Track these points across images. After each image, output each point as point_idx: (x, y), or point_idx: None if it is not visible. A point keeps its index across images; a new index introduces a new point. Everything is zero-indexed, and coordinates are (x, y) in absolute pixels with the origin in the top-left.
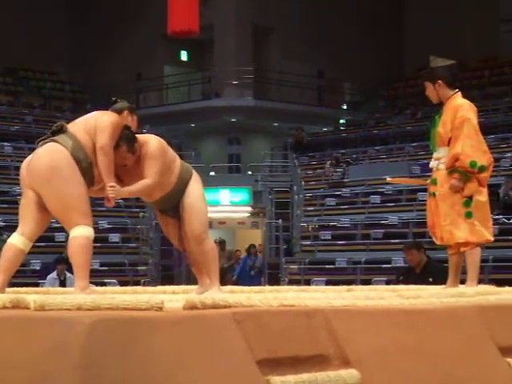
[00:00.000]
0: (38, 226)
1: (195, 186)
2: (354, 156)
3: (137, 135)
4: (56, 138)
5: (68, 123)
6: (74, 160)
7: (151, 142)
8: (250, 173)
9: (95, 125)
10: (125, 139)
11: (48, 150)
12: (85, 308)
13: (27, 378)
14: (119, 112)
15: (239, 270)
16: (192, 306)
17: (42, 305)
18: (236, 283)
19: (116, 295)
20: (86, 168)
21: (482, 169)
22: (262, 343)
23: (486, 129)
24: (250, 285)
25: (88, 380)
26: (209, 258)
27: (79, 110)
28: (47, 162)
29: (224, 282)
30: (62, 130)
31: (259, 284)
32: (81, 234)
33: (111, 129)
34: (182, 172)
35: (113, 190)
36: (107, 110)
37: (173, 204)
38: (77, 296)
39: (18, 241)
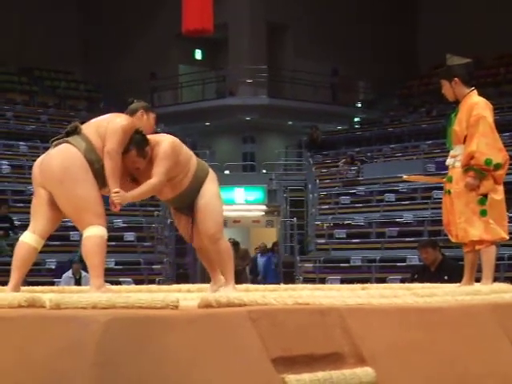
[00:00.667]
0: (49, 223)
1: (210, 184)
2: (369, 154)
3: (151, 136)
4: (70, 139)
5: (82, 123)
6: (87, 162)
7: (163, 142)
8: (264, 171)
9: (107, 128)
10: (134, 144)
11: (61, 151)
12: (100, 306)
13: (43, 376)
14: (133, 112)
15: (263, 268)
16: (207, 305)
17: (57, 303)
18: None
19: (131, 294)
20: (99, 170)
21: (498, 166)
22: (277, 341)
23: (501, 126)
24: (276, 282)
25: (103, 378)
26: (224, 257)
27: (94, 109)
28: (60, 163)
29: (239, 282)
30: (76, 131)
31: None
32: (94, 233)
33: (121, 133)
34: (197, 171)
35: (117, 196)
36: (122, 109)
37: (188, 202)
38: (92, 295)
39: (30, 239)
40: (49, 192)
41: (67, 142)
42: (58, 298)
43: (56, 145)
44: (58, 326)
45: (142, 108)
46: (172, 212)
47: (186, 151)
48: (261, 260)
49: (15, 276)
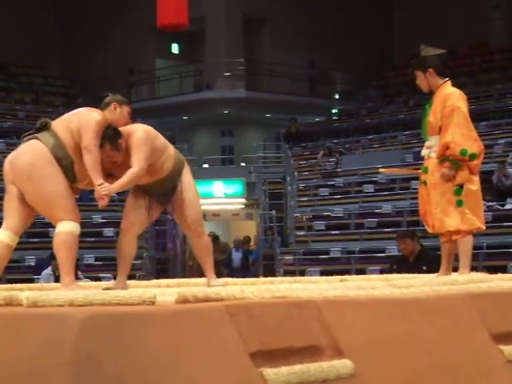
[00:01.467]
0: (22, 220)
1: (190, 176)
2: (347, 146)
3: (123, 128)
4: (38, 135)
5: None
6: (55, 158)
7: (136, 131)
8: (243, 164)
9: (79, 124)
10: (107, 138)
11: (28, 148)
12: (77, 304)
13: (21, 373)
14: (107, 106)
15: (256, 254)
16: (184, 300)
17: (34, 301)
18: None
19: (108, 291)
20: (67, 166)
21: (473, 157)
22: (254, 335)
23: (477, 116)
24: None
25: (81, 376)
26: (206, 251)
27: (71, 105)
28: (27, 159)
29: (219, 274)
30: (45, 127)
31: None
32: (63, 229)
33: (95, 127)
34: (176, 158)
35: (102, 188)
36: (99, 105)
37: (167, 188)
38: (69, 292)
39: (3, 236)
40: (19, 188)
41: (36, 138)
42: (35, 296)
43: (26, 141)
44: (35, 324)
45: (115, 101)
46: (132, 196)
47: (162, 138)
48: (236, 255)
49: None
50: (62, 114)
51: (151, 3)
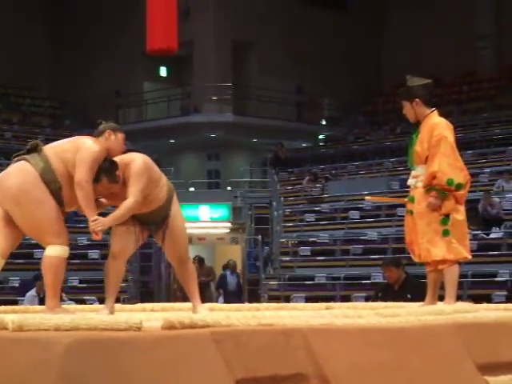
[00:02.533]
0: (9, 242)
1: (177, 205)
2: (333, 172)
3: (120, 157)
4: (28, 157)
5: (47, 141)
6: (43, 182)
7: (134, 162)
8: (229, 189)
9: (75, 154)
10: (104, 172)
11: (17, 170)
12: (63, 328)
13: None
14: (101, 133)
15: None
16: (170, 326)
17: (20, 325)
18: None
19: (93, 315)
20: (55, 190)
21: (459, 187)
22: (240, 363)
23: (463, 144)
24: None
25: None
26: (191, 277)
27: (58, 127)
28: (16, 183)
29: (203, 297)
30: (36, 149)
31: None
32: (51, 253)
33: (89, 162)
34: (169, 189)
35: (96, 223)
36: (86, 126)
37: (159, 218)
38: (55, 316)
39: None
40: (6, 210)
41: (25, 159)
42: (20, 320)
43: (15, 162)
44: (20, 348)
45: (109, 128)
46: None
47: (157, 168)
48: (231, 278)
49: None
50: (50, 135)
51: (140, 27)
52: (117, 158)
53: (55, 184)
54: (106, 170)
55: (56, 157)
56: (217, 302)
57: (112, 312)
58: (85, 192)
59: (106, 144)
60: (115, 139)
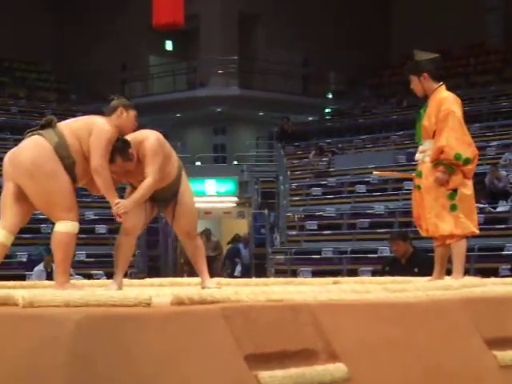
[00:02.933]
0: (19, 218)
1: (186, 181)
2: (340, 145)
3: (132, 134)
4: (42, 132)
5: (54, 115)
6: (57, 156)
7: (148, 139)
8: (235, 163)
9: (89, 135)
10: (118, 152)
11: (32, 144)
12: (73, 305)
13: (15, 374)
14: (113, 111)
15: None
16: (179, 302)
17: (30, 302)
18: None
19: (104, 291)
20: (68, 166)
21: (467, 161)
22: (249, 338)
23: (471, 117)
24: (260, 242)
25: (76, 377)
26: (199, 252)
27: (64, 101)
28: (30, 156)
29: (211, 271)
30: (50, 125)
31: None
32: (62, 229)
33: (104, 146)
34: (178, 165)
35: (119, 207)
36: (92, 100)
37: (170, 194)
38: (65, 292)
39: None
40: (18, 185)
41: (39, 134)
42: (30, 296)
43: (29, 137)
44: (31, 324)
45: (121, 105)
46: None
47: (168, 144)
48: (245, 251)
49: None
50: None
51: (146, 1)
52: (129, 136)
53: (69, 159)
54: (120, 150)
55: (70, 133)
56: (233, 273)
57: (121, 287)
58: (103, 177)
59: (117, 122)
60: (127, 116)
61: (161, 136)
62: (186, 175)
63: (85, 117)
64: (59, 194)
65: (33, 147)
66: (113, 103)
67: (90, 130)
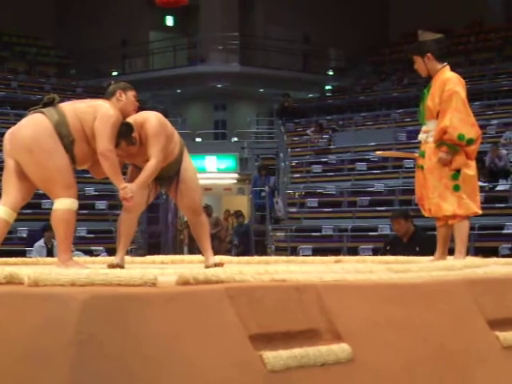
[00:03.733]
0: (20, 195)
1: (188, 158)
2: (340, 123)
3: (134, 116)
4: (44, 110)
5: (53, 91)
6: (57, 134)
7: (149, 121)
8: (236, 139)
9: (94, 118)
10: (121, 137)
11: (32, 121)
12: (78, 284)
13: (21, 353)
14: (112, 95)
15: (251, 190)
16: (185, 282)
17: (35, 281)
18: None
19: (109, 270)
20: (68, 145)
21: (470, 142)
22: (254, 318)
23: (471, 95)
24: (261, 205)
25: (83, 356)
26: (205, 228)
27: (64, 76)
28: (30, 133)
29: (212, 248)
30: (52, 103)
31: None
32: (62, 207)
33: (110, 131)
34: (180, 143)
35: (126, 191)
36: (93, 75)
37: (173, 171)
38: (70, 271)
39: (1, 212)
40: (18, 162)
41: (41, 112)
42: (36, 275)
43: (30, 114)
44: (37, 303)
45: (119, 89)
46: (135, 176)
47: (169, 124)
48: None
49: None
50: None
51: None
52: (130, 119)
53: (68, 138)
54: (124, 134)
55: (73, 113)
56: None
57: (123, 264)
58: (110, 161)
59: (118, 105)
60: (126, 98)
61: (161, 116)
62: (187, 152)
63: (88, 100)
64: (58, 171)
65: (33, 124)
66: (111, 87)
67: (94, 113)
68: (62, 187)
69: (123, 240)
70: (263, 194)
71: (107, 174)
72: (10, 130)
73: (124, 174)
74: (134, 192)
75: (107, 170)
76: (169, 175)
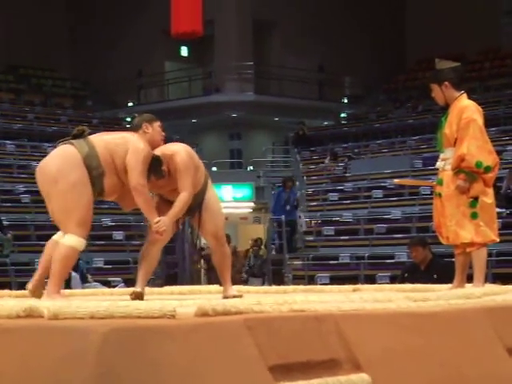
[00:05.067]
0: None
1: (212, 188)
2: (356, 150)
3: (163, 148)
4: (74, 141)
5: (70, 122)
6: (86, 167)
7: (178, 154)
8: (251, 168)
9: (126, 152)
10: (151, 171)
11: (60, 152)
12: (98, 317)
13: None
14: (138, 128)
15: (274, 204)
16: (204, 313)
17: (55, 314)
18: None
19: (128, 302)
20: (97, 177)
21: (488, 169)
22: (273, 349)
23: (487, 121)
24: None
25: None
26: (227, 261)
27: (80, 107)
28: (57, 164)
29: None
30: (82, 135)
31: (294, 219)
32: (68, 242)
33: (141, 165)
34: (205, 173)
35: (159, 225)
36: (109, 107)
37: (196, 202)
38: (90, 304)
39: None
40: (46, 194)
41: (70, 143)
42: (55, 308)
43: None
44: (57, 337)
45: (144, 121)
46: (158, 208)
47: (196, 154)
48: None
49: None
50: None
51: (161, 6)
52: (158, 151)
53: (98, 170)
54: (153, 168)
55: (103, 145)
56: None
57: (143, 296)
58: (143, 196)
59: (145, 137)
60: (153, 130)
61: (189, 148)
62: (211, 182)
63: (118, 133)
64: (76, 205)
65: (61, 156)
66: (136, 120)
67: (125, 146)
68: (75, 223)
69: (145, 272)
70: (288, 207)
71: (141, 208)
72: (39, 165)
73: None
74: (167, 225)
75: (141, 204)
76: (193, 205)
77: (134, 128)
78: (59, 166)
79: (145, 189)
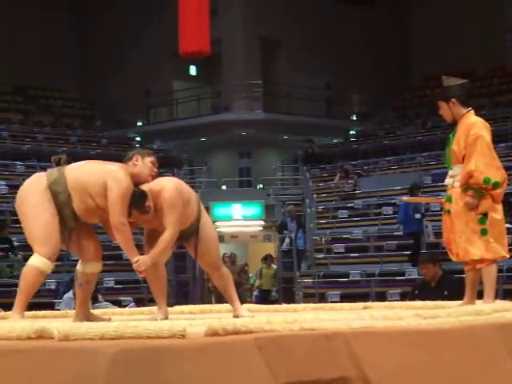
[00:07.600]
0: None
1: (205, 214)
2: (365, 167)
3: (149, 184)
4: (49, 169)
5: (79, 142)
6: (51, 192)
7: (165, 190)
8: (261, 186)
9: (96, 181)
10: (134, 206)
11: (33, 179)
12: (107, 337)
13: None
14: (129, 159)
15: (403, 214)
16: (214, 333)
17: (65, 335)
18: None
19: (138, 322)
20: (64, 202)
21: (496, 185)
22: (284, 368)
23: (495, 137)
24: (415, 230)
25: None
26: (229, 281)
27: (89, 127)
28: (25, 188)
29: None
30: (59, 163)
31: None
32: (32, 262)
33: (120, 202)
34: (197, 202)
35: (139, 264)
36: (117, 127)
37: (189, 231)
38: (100, 325)
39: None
40: None
41: (45, 170)
42: (65, 330)
43: None
44: (67, 358)
45: (137, 154)
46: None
47: (186, 187)
48: (291, 225)
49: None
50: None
51: (169, 26)
52: (146, 186)
53: (64, 194)
54: (136, 203)
55: (77, 172)
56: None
57: (167, 316)
58: (124, 235)
59: (133, 169)
60: (142, 164)
61: (178, 183)
62: (204, 210)
63: (100, 163)
64: (37, 226)
65: (30, 181)
66: (130, 153)
67: (101, 178)
68: (38, 244)
69: (160, 292)
70: (417, 216)
71: (121, 245)
72: None
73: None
74: (146, 265)
75: (120, 242)
76: (187, 234)
77: (126, 159)
78: (25, 192)
79: (124, 227)
